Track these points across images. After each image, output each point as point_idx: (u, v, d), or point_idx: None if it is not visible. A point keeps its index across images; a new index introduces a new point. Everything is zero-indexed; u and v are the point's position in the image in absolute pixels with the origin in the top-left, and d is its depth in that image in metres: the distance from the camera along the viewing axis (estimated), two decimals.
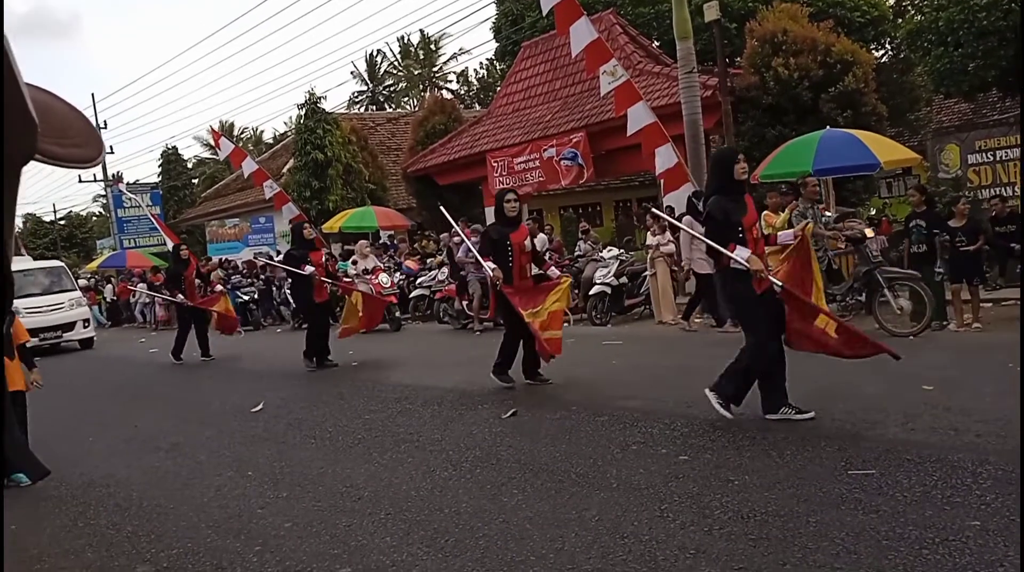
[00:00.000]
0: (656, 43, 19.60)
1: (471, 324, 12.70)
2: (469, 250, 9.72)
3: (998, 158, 12.97)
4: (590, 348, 9.48)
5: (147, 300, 21.91)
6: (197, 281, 12.42)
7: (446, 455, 5.27)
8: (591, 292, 11.75)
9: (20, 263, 17.81)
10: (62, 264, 20.04)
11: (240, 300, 17.13)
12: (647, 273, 11.84)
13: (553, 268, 8.07)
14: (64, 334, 17.07)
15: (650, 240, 11.69)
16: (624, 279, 12.18)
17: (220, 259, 22.82)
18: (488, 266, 7.10)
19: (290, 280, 10.91)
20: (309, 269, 9.67)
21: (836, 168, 10.70)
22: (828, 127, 11.37)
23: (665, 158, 11.89)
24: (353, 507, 4.44)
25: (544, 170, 17.02)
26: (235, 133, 47.04)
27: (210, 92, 76.12)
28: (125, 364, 13.53)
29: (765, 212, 8.38)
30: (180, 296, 11.91)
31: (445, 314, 13.69)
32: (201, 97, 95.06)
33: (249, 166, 15.66)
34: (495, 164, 18.12)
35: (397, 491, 4.63)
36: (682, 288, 12.45)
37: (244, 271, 19.61)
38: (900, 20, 19.08)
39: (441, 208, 8.93)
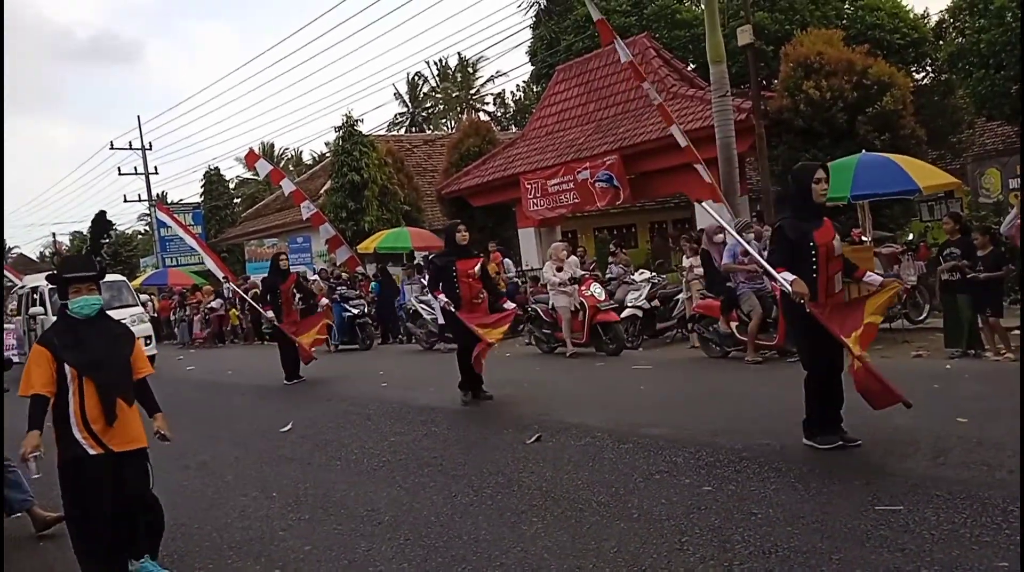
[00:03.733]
0: (691, 66, 19.58)
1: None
2: (742, 252, 8.62)
3: None
4: (619, 372, 9.41)
5: (185, 319, 22.21)
6: (298, 295, 11.24)
7: (468, 480, 5.26)
8: (623, 315, 11.55)
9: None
10: (124, 278, 18.82)
11: (347, 314, 15.44)
12: (681, 296, 11.72)
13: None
14: None
15: (684, 262, 11.60)
16: (656, 302, 12.07)
17: (322, 269, 20.39)
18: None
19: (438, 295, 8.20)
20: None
21: (874, 194, 10.54)
22: (864, 151, 11.22)
23: (702, 175, 12.03)
24: (373, 531, 4.46)
25: (579, 192, 17.03)
26: (275, 154, 47.90)
27: (253, 114, 77.64)
28: (163, 382, 13.64)
29: None
30: (270, 313, 10.92)
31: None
32: (243, 119, 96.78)
33: (288, 186, 15.92)
34: (529, 186, 18.18)
35: (417, 516, 4.64)
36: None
37: (348, 282, 17.88)
38: (941, 42, 18.82)
39: (705, 205, 7.48)
